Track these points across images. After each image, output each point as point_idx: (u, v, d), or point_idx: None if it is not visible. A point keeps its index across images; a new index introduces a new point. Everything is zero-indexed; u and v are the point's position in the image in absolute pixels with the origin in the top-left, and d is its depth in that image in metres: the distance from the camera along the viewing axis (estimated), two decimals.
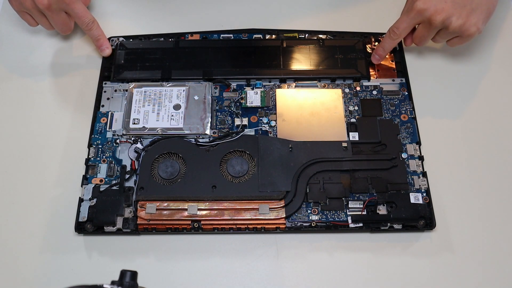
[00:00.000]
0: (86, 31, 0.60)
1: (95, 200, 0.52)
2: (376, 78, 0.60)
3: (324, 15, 0.67)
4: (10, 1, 0.58)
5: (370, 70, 0.60)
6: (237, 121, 0.57)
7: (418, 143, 0.55)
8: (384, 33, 0.62)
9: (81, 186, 0.53)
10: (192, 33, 0.63)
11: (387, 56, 0.61)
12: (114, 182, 0.53)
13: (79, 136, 0.57)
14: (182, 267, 0.51)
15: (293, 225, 0.51)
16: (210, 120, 0.56)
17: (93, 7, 0.68)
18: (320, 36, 0.63)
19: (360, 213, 0.52)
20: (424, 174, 0.54)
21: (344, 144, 0.54)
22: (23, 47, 0.65)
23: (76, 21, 0.59)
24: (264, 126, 0.56)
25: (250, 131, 0.56)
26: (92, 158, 0.55)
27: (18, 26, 0.66)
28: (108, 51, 0.61)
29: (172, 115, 0.56)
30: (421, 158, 0.54)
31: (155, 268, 0.51)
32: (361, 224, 0.51)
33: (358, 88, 0.59)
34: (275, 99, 0.58)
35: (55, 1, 0.55)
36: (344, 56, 0.60)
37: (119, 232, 0.51)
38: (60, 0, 0.56)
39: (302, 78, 0.59)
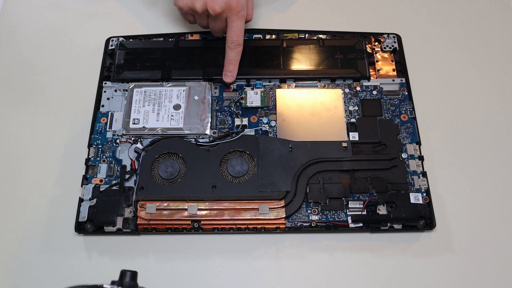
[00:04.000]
0: (227, 48, 0.58)
1: (95, 200, 0.52)
2: (376, 78, 0.60)
3: (324, 15, 0.67)
4: (178, 1, 0.58)
5: (370, 70, 0.60)
6: (237, 121, 0.57)
7: (418, 143, 0.55)
8: (384, 33, 0.62)
9: (81, 186, 0.53)
10: (192, 33, 0.63)
11: (386, 56, 0.61)
12: (114, 182, 0.53)
13: (79, 136, 0.57)
14: (182, 267, 0.51)
15: (293, 225, 0.51)
16: (210, 120, 0.56)
17: (94, 7, 0.68)
18: (320, 36, 0.63)
19: (360, 213, 0.52)
20: (424, 174, 0.54)
21: (344, 144, 0.54)
22: (23, 47, 0.65)
23: (227, 33, 0.57)
24: (264, 126, 0.56)
25: (250, 131, 0.56)
26: (92, 158, 0.55)
27: (18, 26, 0.66)
28: (229, 79, 0.58)
29: (172, 115, 0.56)
30: (421, 158, 0.54)
31: (155, 268, 0.51)
32: (361, 224, 0.51)
33: (358, 88, 0.59)
34: (275, 99, 0.58)
35: (227, 10, 0.55)
36: (344, 56, 0.60)
37: (119, 232, 0.51)
38: (230, 11, 0.55)
39: (302, 78, 0.59)
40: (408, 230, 0.52)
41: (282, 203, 0.51)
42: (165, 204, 0.51)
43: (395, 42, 0.61)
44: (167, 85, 0.58)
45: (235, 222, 0.51)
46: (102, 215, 0.51)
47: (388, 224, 0.51)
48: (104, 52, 0.62)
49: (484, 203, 0.54)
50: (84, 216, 0.51)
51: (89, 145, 0.55)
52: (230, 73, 0.58)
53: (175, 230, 0.51)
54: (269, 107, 0.58)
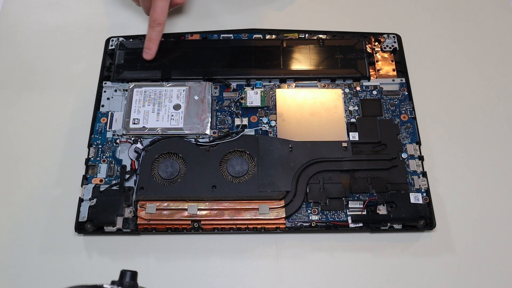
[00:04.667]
0: (148, 27, 0.59)
1: (95, 200, 0.52)
2: (376, 78, 0.60)
3: (324, 15, 0.67)
4: None
5: (370, 70, 0.60)
6: (237, 121, 0.57)
7: (418, 143, 0.55)
8: (384, 33, 0.62)
9: (81, 186, 0.53)
10: (192, 33, 0.63)
11: (386, 56, 0.61)
12: (114, 182, 0.53)
13: (79, 136, 0.57)
14: (182, 267, 0.51)
15: (293, 225, 0.51)
16: (210, 120, 0.56)
17: (94, 7, 0.68)
18: (320, 36, 0.63)
19: (360, 213, 0.52)
20: (424, 174, 0.54)
21: (344, 144, 0.54)
22: (23, 47, 0.65)
23: (150, 12, 0.59)
24: (264, 126, 0.56)
25: (250, 131, 0.56)
26: (92, 158, 0.55)
27: (18, 26, 0.66)
28: (148, 56, 0.59)
29: (172, 115, 0.56)
30: (421, 158, 0.54)
31: (155, 268, 0.51)
32: (361, 224, 0.51)
33: (358, 88, 0.59)
34: (275, 99, 0.58)
35: None
36: (344, 56, 0.60)
37: (119, 232, 0.51)
38: None
39: (302, 78, 0.59)
40: (408, 230, 0.52)
41: (282, 203, 0.51)
42: (165, 204, 0.51)
43: (395, 42, 0.61)
44: (167, 85, 0.58)
45: (235, 222, 0.51)
46: (102, 215, 0.51)
47: (388, 224, 0.51)
48: (104, 52, 0.62)
49: (484, 203, 0.54)
50: (84, 216, 0.51)
51: (89, 145, 0.55)
52: (148, 50, 0.59)
53: (175, 230, 0.51)
54: (269, 107, 0.58)
